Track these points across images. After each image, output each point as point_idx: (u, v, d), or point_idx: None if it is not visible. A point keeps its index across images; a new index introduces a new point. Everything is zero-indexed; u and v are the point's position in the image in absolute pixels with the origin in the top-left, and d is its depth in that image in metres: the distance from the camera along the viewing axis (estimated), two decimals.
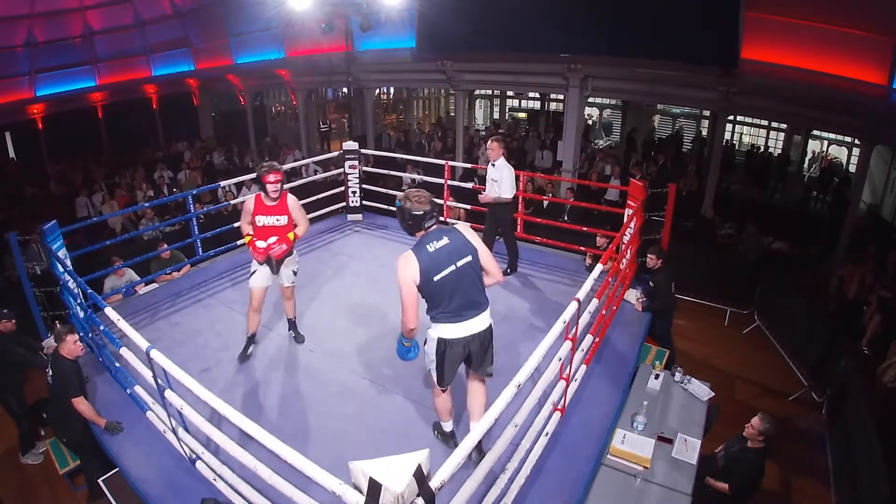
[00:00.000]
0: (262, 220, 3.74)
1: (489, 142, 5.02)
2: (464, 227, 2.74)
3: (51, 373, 3.49)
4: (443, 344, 2.67)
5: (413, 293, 2.58)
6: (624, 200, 5.42)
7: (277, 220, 3.76)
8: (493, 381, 3.60)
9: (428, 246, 2.57)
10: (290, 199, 3.84)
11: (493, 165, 4.94)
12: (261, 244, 3.67)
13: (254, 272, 3.84)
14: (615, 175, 9.53)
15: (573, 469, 3.01)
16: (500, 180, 4.88)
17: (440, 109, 18.27)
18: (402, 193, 2.68)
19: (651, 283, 4.75)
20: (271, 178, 3.63)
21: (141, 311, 4.75)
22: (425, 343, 2.81)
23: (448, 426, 3.06)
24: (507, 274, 5.24)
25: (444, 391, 2.88)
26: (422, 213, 2.60)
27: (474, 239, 2.71)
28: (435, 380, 2.81)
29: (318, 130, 15.39)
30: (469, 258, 2.63)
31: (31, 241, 5.88)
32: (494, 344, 2.85)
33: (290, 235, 3.81)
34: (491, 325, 2.78)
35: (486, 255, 2.73)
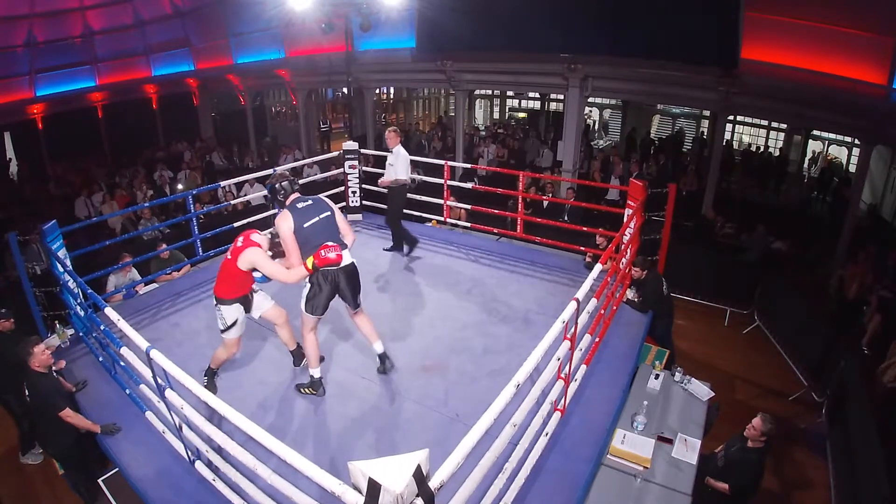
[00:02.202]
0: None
1: (387, 132, 5.56)
2: (323, 196, 3.58)
3: (27, 391, 3.38)
4: (317, 274, 3.29)
5: (293, 239, 3.26)
6: (624, 200, 5.43)
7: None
8: (493, 380, 3.63)
9: (298, 204, 3.36)
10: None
11: (391, 152, 5.45)
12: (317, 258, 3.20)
13: (233, 324, 3.38)
14: (616, 174, 9.52)
15: (573, 469, 3.00)
16: (396, 164, 5.40)
17: (440, 109, 18.27)
18: (270, 178, 3.49)
19: (639, 294, 4.77)
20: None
21: (141, 311, 4.75)
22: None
23: (318, 373, 3.57)
24: (389, 249, 5.90)
25: (314, 325, 3.46)
26: (287, 182, 3.44)
27: (332, 204, 3.50)
28: (307, 310, 3.37)
29: (318, 130, 15.40)
30: (328, 213, 3.42)
31: (31, 241, 5.87)
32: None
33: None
34: (354, 262, 3.44)
35: (341, 219, 3.51)
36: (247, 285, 3.41)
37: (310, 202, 3.42)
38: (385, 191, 5.82)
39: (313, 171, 9.90)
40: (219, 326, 3.42)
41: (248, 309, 3.50)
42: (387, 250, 5.91)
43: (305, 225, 3.30)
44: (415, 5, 9.46)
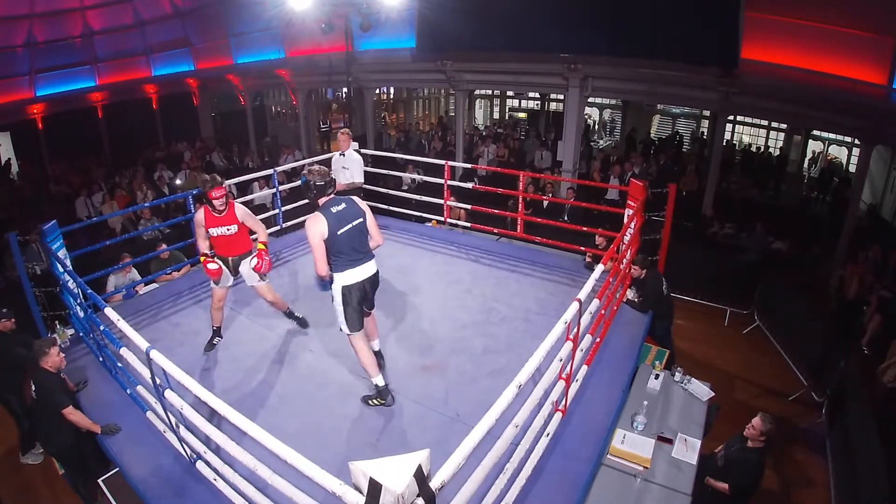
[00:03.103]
0: (214, 231, 3.89)
1: (339, 134, 5.49)
2: (355, 198, 3.37)
3: (34, 388, 3.41)
4: (346, 290, 3.23)
5: (321, 246, 3.13)
6: (624, 200, 5.42)
7: (228, 229, 3.90)
8: (493, 380, 3.63)
9: (332, 209, 3.16)
10: (239, 208, 3.95)
11: (343, 155, 5.40)
12: (212, 266, 3.85)
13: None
14: (615, 174, 9.52)
15: (573, 469, 3.00)
16: (351, 167, 5.39)
17: (440, 109, 18.27)
18: (305, 171, 3.27)
19: (639, 294, 4.77)
20: (215, 193, 3.78)
21: (141, 311, 4.74)
22: (332, 298, 3.28)
23: (381, 380, 3.44)
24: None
25: (360, 338, 3.36)
26: (323, 183, 3.20)
27: (364, 206, 3.34)
28: (351, 330, 3.30)
29: (318, 130, 15.39)
30: (360, 220, 3.27)
31: (31, 241, 5.88)
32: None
33: (261, 245, 3.91)
34: (378, 270, 3.41)
35: (371, 221, 3.37)
36: (219, 248, 3.93)
37: (343, 205, 3.21)
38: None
39: None
40: None
41: (233, 272, 4.00)
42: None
43: (339, 232, 3.13)
44: (415, 5, 9.46)
